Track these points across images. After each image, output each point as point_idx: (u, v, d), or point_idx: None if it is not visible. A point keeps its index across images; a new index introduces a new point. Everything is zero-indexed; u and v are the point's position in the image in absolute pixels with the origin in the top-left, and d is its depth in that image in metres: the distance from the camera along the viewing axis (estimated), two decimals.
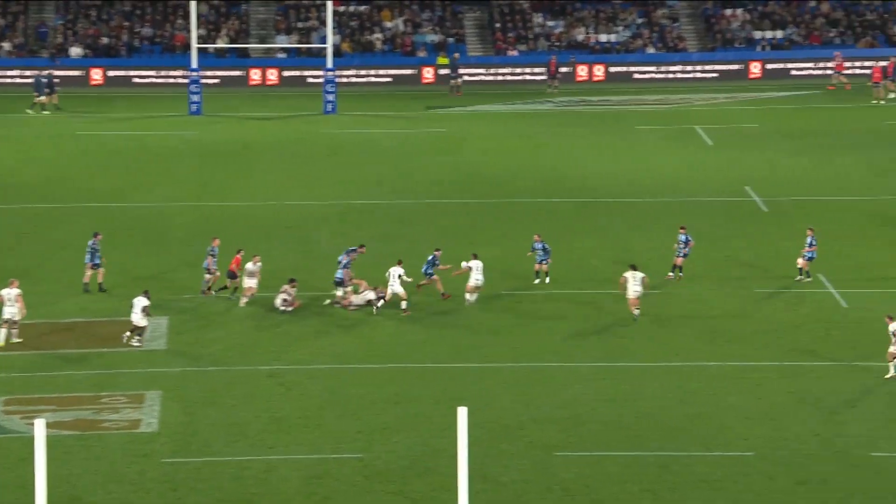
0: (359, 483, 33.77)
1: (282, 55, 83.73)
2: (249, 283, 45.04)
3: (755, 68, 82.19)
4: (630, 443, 35.71)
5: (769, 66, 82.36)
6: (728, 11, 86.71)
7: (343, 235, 51.99)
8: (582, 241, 51.83)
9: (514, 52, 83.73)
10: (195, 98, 73.61)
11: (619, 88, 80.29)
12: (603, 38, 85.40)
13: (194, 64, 74.16)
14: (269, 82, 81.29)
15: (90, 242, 46.29)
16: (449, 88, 78.72)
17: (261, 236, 52.51)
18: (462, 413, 27.12)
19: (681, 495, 33.08)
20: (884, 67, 75.42)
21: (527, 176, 61.10)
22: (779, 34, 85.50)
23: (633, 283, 43.91)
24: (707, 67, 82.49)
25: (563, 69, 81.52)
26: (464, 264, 45.47)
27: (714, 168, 62.21)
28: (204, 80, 77.19)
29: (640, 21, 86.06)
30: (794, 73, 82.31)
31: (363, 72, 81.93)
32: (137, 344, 42.02)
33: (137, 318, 42.02)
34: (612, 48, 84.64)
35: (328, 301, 45.22)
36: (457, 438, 27.14)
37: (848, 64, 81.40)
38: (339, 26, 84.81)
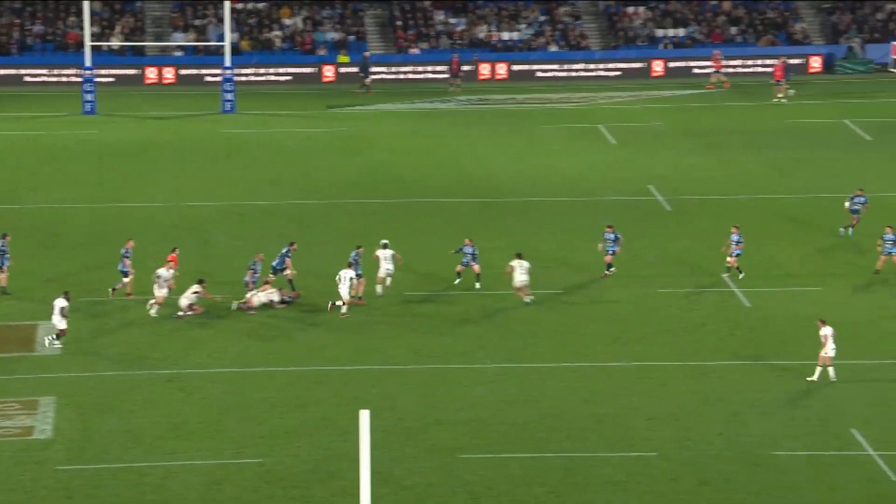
0: (260, 488, 33.66)
1: (178, 53, 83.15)
2: (160, 292, 44.38)
3: (658, 66, 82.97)
4: (534, 444, 35.92)
5: (671, 65, 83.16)
6: (630, 9, 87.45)
7: (242, 237, 51.77)
8: (487, 241, 52.01)
9: (416, 51, 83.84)
10: (89, 97, 72.89)
11: (522, 87, 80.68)
12: (505, 36, 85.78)
13: (88, 62, 73.43)
14: (165, 81, 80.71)
15: None
16: (360, 87, 78.66)
17: (159, 238, 52.10)
18: (364, 416, 27.14)
19: (585, 496, 33.33)
20: (785, 67, 76.47)
21: (431, 175, 61.20)
22: (681, 32, 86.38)
23: (520, 271, 45.25)
24: (610, 66, 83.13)
25: (466, 67, 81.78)
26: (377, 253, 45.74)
27: (617, 167, 62.72)
28: (98, 79, 76.40)
29: (542, 19, 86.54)
30: (696, 71, 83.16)
31: (262, 70, 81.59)
32: (56, 346, 41.59)
33: (56, 319, 41.58)
34: (515, 46, 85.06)
35: (235, 305, 45.06)
36: (359, 442, 27.15)
37: (750, 62, 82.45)
38: (237, 24, 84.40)
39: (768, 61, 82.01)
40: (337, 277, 44.67)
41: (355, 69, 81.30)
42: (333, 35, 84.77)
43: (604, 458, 35.10)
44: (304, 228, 53.55)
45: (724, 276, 47.57)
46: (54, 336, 41.87)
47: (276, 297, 44.87)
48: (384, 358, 41.53)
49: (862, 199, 51.78)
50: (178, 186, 59.74)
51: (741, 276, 47.39)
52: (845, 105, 75.11)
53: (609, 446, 35.80)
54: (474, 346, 42.34)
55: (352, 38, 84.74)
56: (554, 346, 42.37)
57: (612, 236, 47.96)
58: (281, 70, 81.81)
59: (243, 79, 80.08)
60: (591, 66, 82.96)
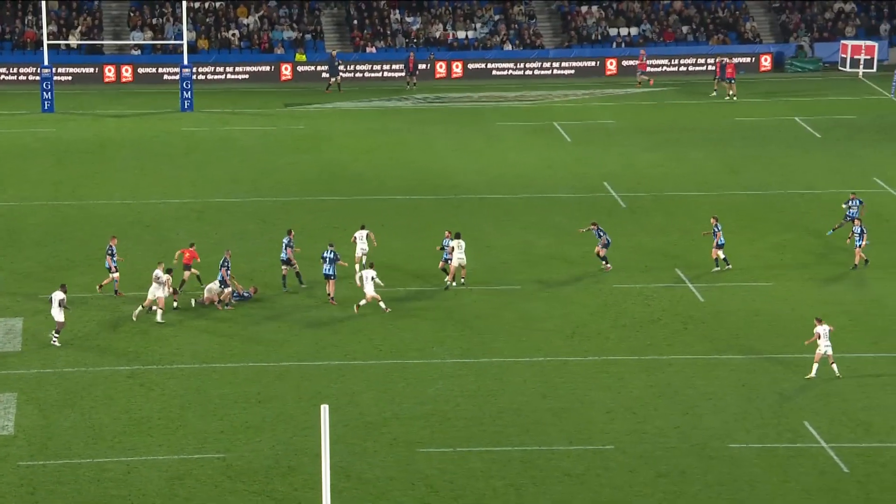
0: (221, 483, 33.62)
1: (136, 52, 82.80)
2: (160, 293, 43.26)
3: (611, 65, 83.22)
4: (493, 438, 36.02)
5: (625, 63, 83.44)
6: (584, 8, 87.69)
7: (202, 234, 51.63)
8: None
9: (373, 49, 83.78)
10: (47, 95, 72.49)
11: (477, 85, 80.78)
12: (461, 34, 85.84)
13: (46, 61, 73.03)
14: (123, 79, 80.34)
15: None
16: (329, 85, 78.55)
17: (118, 235, 51.90)
18: (324, 411, 27.16)
19: (544, 489, 33.46)
20: (723, 65, 76.82)
21: (389, 173, 61.20)
22: (633, 31, 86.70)
23: (458, 251, 46.31)
24: (564, 64, 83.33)
25: (422, 66, 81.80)
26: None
27: (573, 164, 62.89)
28: (56, 77, 75.95)
29: (497, 18, 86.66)
30: (649, 69, 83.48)
31: (220, 68, 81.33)
32: (55, 342, 41.54)
33: (56, 312, 41.52)
34: (470, 45, 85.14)
35: (194, 301, 44.99)
36: (320, 436, 27.16)
37: (701, 61, 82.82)
38: (194, 22, 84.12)
39: (716, 59, 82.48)
40: (357, 279, 44.44)
41: (312, 67, 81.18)
42: (290, 34, 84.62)
43: (562, 452, 35.23)
44: (264, 226, 53.44)
45: (714, 270, 47.64)
46: (55, 332, 41.73)
47: (228, 290, 44.59)
48: (344, 353, 41.53)
49: (857, 202, 51.26)
50: (137, 184, 59.51)
51: (728, 266, 47.62)
52: (795, 103, 75.58)
53: (567, 440, 35.94)
54: (432, 342, 42.39)
55: (308, 36, 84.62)
56: (512, 341, 42.48)
57: (596, 232, 48.35)
58: (238, 68, 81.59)
59: (201, 77, 79.80)
60: (546, 65, 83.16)
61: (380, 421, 36.91)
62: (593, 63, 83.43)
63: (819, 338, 39.53)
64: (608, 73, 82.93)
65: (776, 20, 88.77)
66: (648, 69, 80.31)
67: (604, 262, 48.38)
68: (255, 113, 73.37)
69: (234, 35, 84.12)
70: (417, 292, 46.51)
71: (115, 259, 45.49)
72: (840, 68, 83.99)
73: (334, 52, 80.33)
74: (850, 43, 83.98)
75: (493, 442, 35.75)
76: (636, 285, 47.20)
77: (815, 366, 39.64)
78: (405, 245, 50.57)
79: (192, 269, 45.96)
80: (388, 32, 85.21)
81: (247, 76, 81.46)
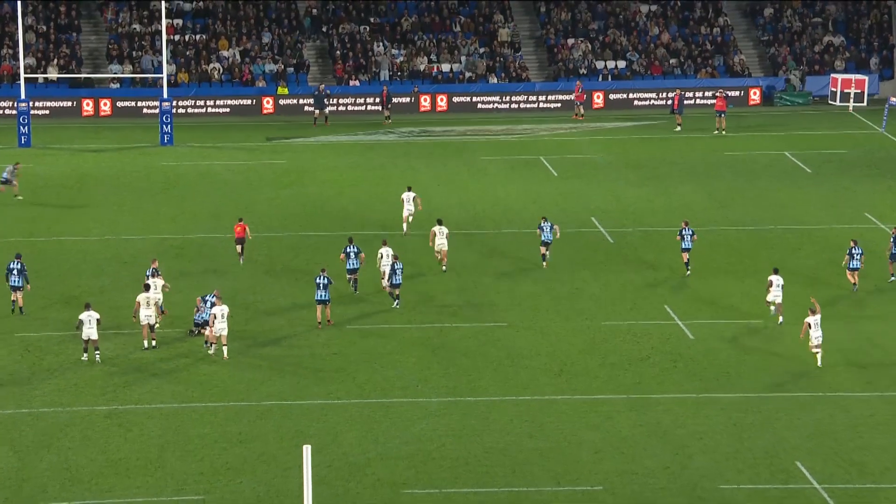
0: None
1: (115, 85, 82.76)
2: (220, 325, 43.37)
3: (598, 98, 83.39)
4: (479, 479, 35.83)
5: (612, 97, 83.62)
6: (570, 41, 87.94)
7: (182, 272, 51.51)
8: (427, 275, 51.95)
9: (356, 82, 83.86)
10: (24, 129, 72.36)
11: (462, 118, 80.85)
12: (445, 67, 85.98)
13: (23, 94, 72.90)
14: (102, 113, 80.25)
15: None
16: (315, 119, 78.71)
17: (95, 271, 51.73)
18: (307, 451, 26.96)
19: None
20: (681, 98, 77.10)
21: (373, 208, 61.13)
22: (621, 64, 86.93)
23: (440, 237, 51.02)
24: (550, 97, 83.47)
25: (405, 99, 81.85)
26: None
27: (560, 199, 62.87)
28: (34, 111, 75.83)
29: (482, 51, 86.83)
30: (636, 103, 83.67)
31: (200, 102, 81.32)
32: (98, 360, 42.75)
33: (93, 331, 42.59)
34: (455, 78, 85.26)
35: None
36: (302, 478, 26.95)
37: (689, 94, 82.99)
38: (174, 55, 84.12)
39: (708, 93, 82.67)
40: (379, 261, 48.77)
41: (295, 101, 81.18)
42: (272, 66, 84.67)
43: (550, 493, 35.04)
44: (246, 262, 53.28)
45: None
46: (95, 349, 42.92)
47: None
48: (326, 392, 41.34)
49: (860, 252, 50.68)
50: (116, 220, 59.34)
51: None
52: (785, 137, 75.75)
53: (555, 480, 35.76)
54: (417, 380, 42.22)
55: (290, 69, 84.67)
56: (498, 379, 42.32)
57: (548, 226, 51.92)
58: (219, 102, 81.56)
59: (181, 111, 79.75)
60: (532, 98, 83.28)
61: (363, 461, 36.71)
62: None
63: (810, 328, 42.37)
64: (595, 106, 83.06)
65: (765, 53, 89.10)
66: (589, 100, 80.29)
67: (544, 261, 51.60)
68: (237, 147, 73.30)
69: (214, 68, 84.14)
70: (401, 329, 46.36)
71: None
72: (830, 102, 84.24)
73: (322, 86, 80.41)
74: (839, 77, 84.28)
75: (480, 483, 35.55)
76: (625, 322, 47.10)
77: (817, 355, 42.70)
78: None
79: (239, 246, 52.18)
80: (372, 65, 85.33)
81: (228, 110, 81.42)
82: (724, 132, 76.15)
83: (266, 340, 45.38)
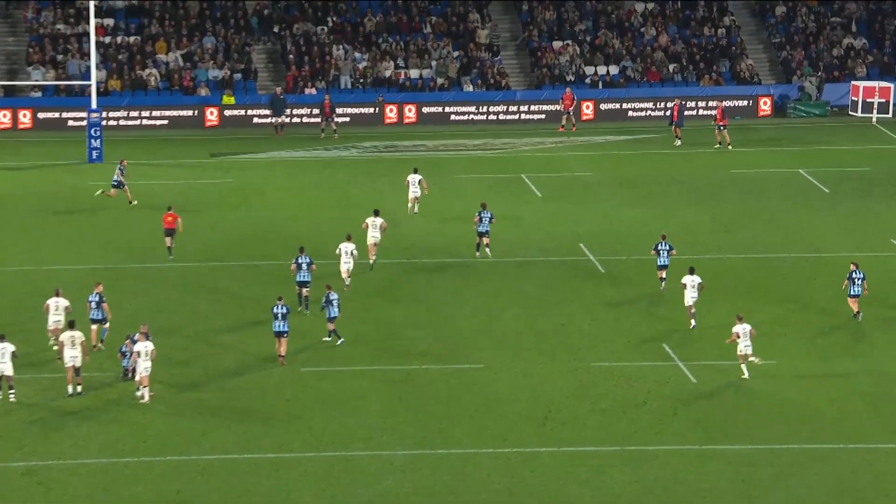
0: None
1: (36, 93, 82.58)
2: (144, 364, 43.66)
3: (587, 108, 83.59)
4: None
5: (603, 107, 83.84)
6: (556, 44, 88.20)
7: (113, 305, 51.28)
8: (395, 309, 51.92)
9: (313, 91, 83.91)
10: None
11: (433, 131, 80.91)
12: (414, 73, 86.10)
13: None
14: (21, 126, 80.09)
15: None
16: (276, 128, 79.00)
17: (13, 306, 51.51)
18: None
19: None
20: (681, 108, 77.39)
21: (331, 233, 61.03)
22: (613, 70, 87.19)
23: (373, 229, 55.64)
24: (533, 108, 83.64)
25: (370, 109, 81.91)
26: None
27: (544, 222, 62.99)
28: None
29: (456, 54, 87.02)
30: (631, 113, 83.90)
31: (135, 113, 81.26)
32: (12, 399, 42.94)
33: (8, 367, 42.98)
34: (425, 86, 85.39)
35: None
36: None
37: (691, 104, 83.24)
38: (104, 60, 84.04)
39: (712, 103, 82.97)
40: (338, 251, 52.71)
41: (243, 111, 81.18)
42: (217, 73, 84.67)
43: None
44: (187, 295, 53.17)
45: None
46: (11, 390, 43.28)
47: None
48: (277, 445, 41.21)
49: (861, 276, 50.86)
50: (37, 248, 59.18)
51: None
52: (799, 152, 76.05)
53: None
54: (381, 430, 42.14)
55: (238, 76, 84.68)
56: (474, 429, 42.28)
57: (488, 215, 56.94)
58: (156, 113, 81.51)
59: (112, 123, 79.64)
60: (513, 108, 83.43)
61: None
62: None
63: (738, 338, 45.44)
64: (584, 118, 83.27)
65: (777, 57, 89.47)
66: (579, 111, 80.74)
67: (478, 250, 56.79)
68: (176, 164, 73.23)
69: (150, 74, 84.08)
70: (363, 371, 46.28)
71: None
72: (850, 113, 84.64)
73: (279, 89, 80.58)
74: (861, 84, 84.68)
75: None
76: (618, 363, 47.13)
77: (744, 366, 45.46)
78: (345, 315, 50.36)
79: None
80: (332, 71, 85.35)
81: (166, 122, 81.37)
82: (729, 146, 76.38)
83: (209, 382, 45.20)
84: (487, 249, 57.09)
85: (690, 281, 49.81)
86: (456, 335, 49.58)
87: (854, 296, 50.63)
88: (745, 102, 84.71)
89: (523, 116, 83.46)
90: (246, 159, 74.76)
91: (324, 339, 48.49)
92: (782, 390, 45.18)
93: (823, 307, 52.15)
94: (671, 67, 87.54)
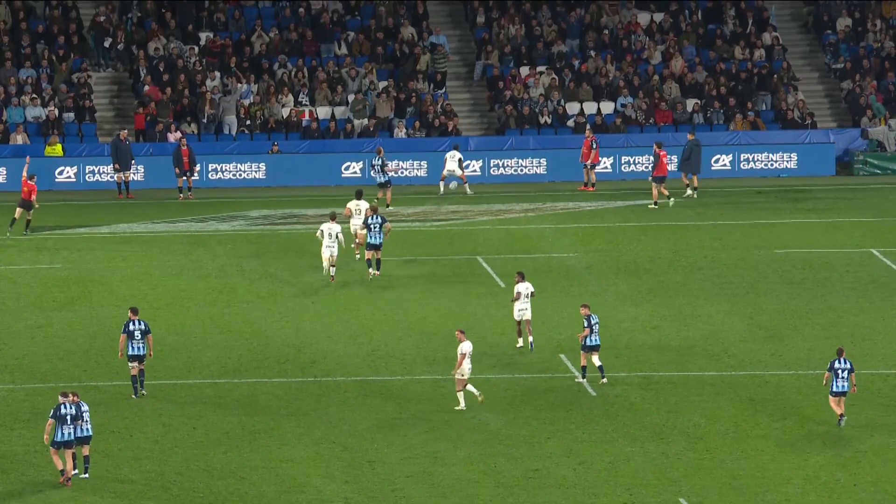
0: None
1: None
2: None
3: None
4: None
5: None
6: (525, 71, 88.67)
7: None
8: (308, 448, 51.94)
9: (177, 136, 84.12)
10: None
11: (349, 194, 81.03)
12: (323, 112, 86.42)
13: None
14: None
15: None
16: (181, 189, 79.52)
17: None
18: None
19: None
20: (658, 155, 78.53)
21: (203, 342, 60.97)
22: (607, 107, 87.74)
23: (357, 216, 65.15)
24: (494, 161, 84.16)
25: (247, 164, 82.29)
26: None
27: (509, 325, 63.01)
28: None
29: (382, 85, 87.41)
30: (630, 167, 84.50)
31: None
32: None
33: None
34: (339, 130, 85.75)
35: None
36: None
37: (717, 157, 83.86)
38: None
39: (745, 154, 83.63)
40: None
41: (76, 167, 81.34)
42: (37, 111, 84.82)
43: None
44: None
45: None
46: None
47: None
48: None
49: (847, 367, 52.28)
50: None
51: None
52: (871, 225, 76.44)
53: None
54: None
55: (68, 115, 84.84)
56: None
57: (378, 220, 63.98)
58: None
59: None
60: (465, 162, 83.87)
61: None
62: (541, 159, 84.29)
63: (464, 359, 52.84)
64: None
65: (838, 90, 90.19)
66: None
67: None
68: None
69: None
70: None
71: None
72: None
73: (124, 132, 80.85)
74: None
75: None
76: None
77: (460, 394, 52.58)
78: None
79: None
80: (208, 109, 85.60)
81: None
82: (659, 203, 76.88)
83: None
84: (376, 271, 62.40)
85: (525, 289, 57.36)
86: (383, 486, 49.65)
87: (837, 393, 50.78)
88: (793, 154, 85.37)
89: (479, 173, 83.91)
90: (80, 235, 74.63)
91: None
92: None
93: None
94: (689, 104, 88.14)
